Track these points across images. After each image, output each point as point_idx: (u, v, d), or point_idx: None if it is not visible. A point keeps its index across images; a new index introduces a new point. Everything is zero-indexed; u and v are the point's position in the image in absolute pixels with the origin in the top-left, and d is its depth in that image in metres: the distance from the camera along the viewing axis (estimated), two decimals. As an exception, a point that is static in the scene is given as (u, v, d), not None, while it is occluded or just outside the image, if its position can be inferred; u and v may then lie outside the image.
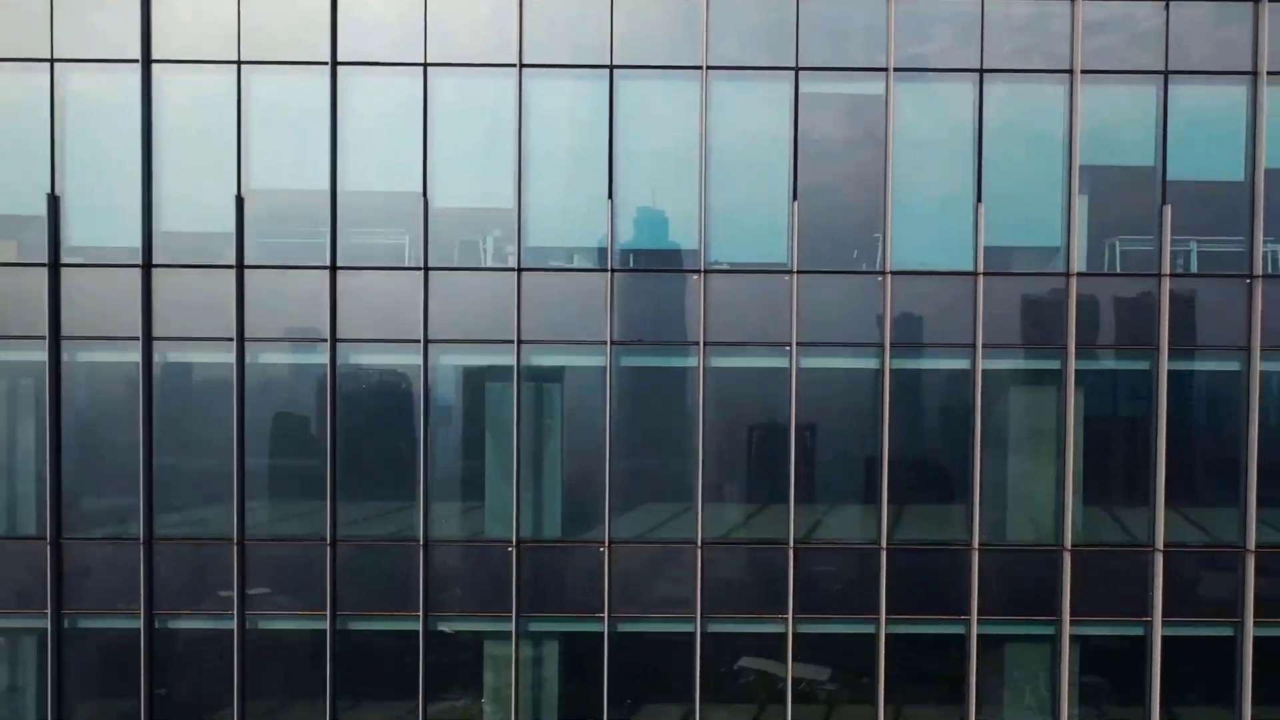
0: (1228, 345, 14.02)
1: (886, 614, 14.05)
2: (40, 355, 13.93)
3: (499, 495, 14.27)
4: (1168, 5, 13.84)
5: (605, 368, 14.02)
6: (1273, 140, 13.87)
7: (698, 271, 13.98)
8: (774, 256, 14.08)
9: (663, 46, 14.01)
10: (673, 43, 13.98)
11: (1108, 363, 14.30)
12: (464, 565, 14.52)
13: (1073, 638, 14.11)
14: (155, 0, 13.85)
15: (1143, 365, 14.13)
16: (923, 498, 14.55)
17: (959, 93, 14.07)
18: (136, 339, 13.90)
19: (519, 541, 14.12)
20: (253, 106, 14.01)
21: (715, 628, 14.23)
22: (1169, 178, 13.98)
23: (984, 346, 13.97)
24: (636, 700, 14.45)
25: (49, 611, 14.01)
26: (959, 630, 14.17)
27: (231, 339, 13.93)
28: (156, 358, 14.09)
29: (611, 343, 13.98)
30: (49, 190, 13.88)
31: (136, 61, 13.82)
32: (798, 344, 13.94)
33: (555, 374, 14.38)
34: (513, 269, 13.99)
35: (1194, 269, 14.13)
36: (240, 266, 13.95)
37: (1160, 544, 13.98)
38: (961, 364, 14.10)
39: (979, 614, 14.06)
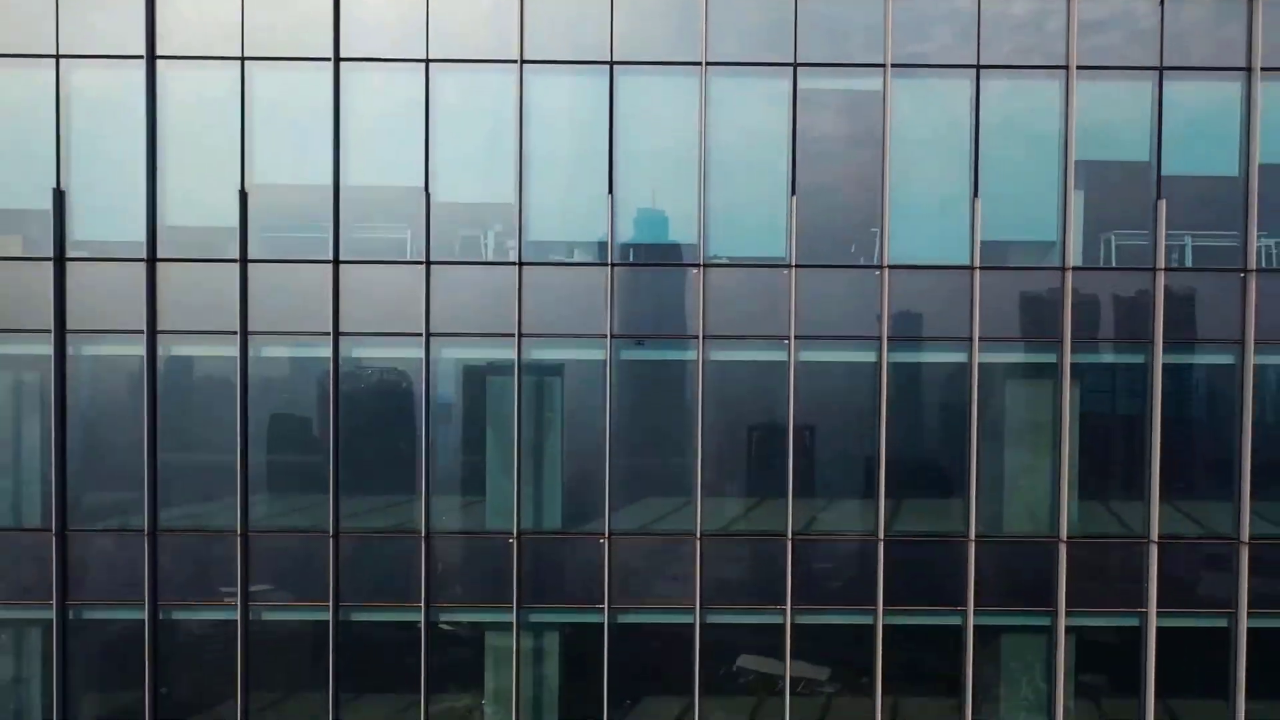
0: (1222, 339, 14.15)
1: (884, 605, 14.17)
2: (45, 349, 14.05)
3: (500, 488, 14.39)
4: (1162, 1, 13.98)
5: (605, 361, 14.15)
6: (1266, 136, 14.01)
7: (697, 265, 14.11)
8: (773, 251, 14.22)
9: (662, 44, 14.15)
10: (672, 40, 14.11)
11: (1103, 356, 14.44)
12: (465, 557, 14.65)
13: (1068, 629, 14.24)
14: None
15: (1138, 359, 14.26)
16: (920, 490, 14.67)
17: (956, 89, 14.20)
18: (141, 332, 14.03)
19: (520, 533, 14.24)
20: (256, 103, 14.14)
21: (714, 618, 14.36)
22: (1164, 173, 14.11)
23: (980, 340, 14.10)
24: (637, 692, 14.57)
25: (54, 603, 14.14)
26: (956, 621, 14.30)
27: (235, 332, 14.06)
28: (160, 351, 14.22)
29: (612, 336, 14.11)
30: (55, 185, 14.01)
31: (141, 58, 13.95)
32: (796, 337, 14.07)
33: (556, 368, 14.51)
34: (514, 263, 14.13)
35: (1189, 263, 14.26)
36: (244, 260, 14.07)
37: (1155, 535, 14.11)
38: (958, 358, 14.24)
39: (976, 605, 14.19)
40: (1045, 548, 14.27)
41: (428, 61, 14.08)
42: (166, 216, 14.17)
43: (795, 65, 14.05)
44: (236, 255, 14.05)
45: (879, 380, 14.14)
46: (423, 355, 14.13)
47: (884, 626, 14.20)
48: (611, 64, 14.04)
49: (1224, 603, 14.24)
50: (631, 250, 14.33)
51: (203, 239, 14.27)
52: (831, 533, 14.44)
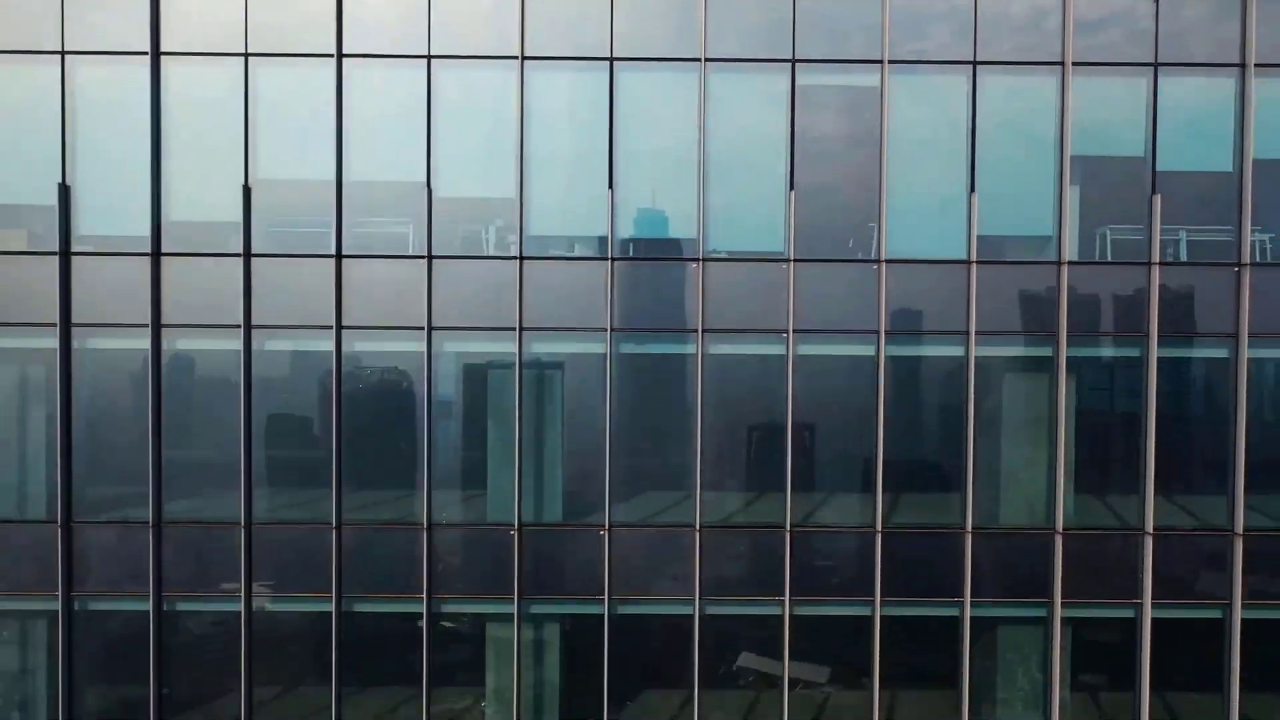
0: (1217, 332, 14.28)
1: (882, 597, 14.30)
2: (50, 342, 14.18)
3: (501, 482, 14.51)
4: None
5: (605, 355, 14.27)
6: (1260, 132, 14.14)
7: (696, 260, 14.23)
8: (772, 247, 14.34)
9: (662, 43, 14.27)
10: (672, 39, 14.23)
11: (1099, 350, 14.57)
12: (467, 549, 14.77)
13: (1064, 620, 14.37)
14: (164, -3, 14.17)
15: (1133, 352, 14.39)
16: (917, 483, 14.80)
17: (953, 85, 14.33)
18: (146, 326, 14.15)
19: (521, 525, 14.36)
20: (259, 99, 14.25)
21: (713, 609, 14.47)
22: (1159, 168, 14.24)
23: (977, 334, 14.22)
24: (637, 683, 14.68)
25: (59, 595, 14.26)
26: (953, 613, 14.42)
27: (239, 326, 14.18)
28: (164, 345, 14.33)
29: (612, 330, 14.23)
30: (60, 180, 14.13)
31: (146, 54, 14.07)
32: (794, 331, 14.19)
33: (556, 362, 14.63)
34: (515, 257, 14.25)
35: (1183, 258, 14.39)
36: (247, 255, 14.19)
37: (1150, 527, 14.23)
38: (955, 351, 14.36)
39: (972, 596, 14.31)
40: (1041, 540, 14.39)
41: (429, 58, 14.20)
42: (170, 212, 14.30)
43: (794, 61, 14.17)
44: (240, 250, 14.18)
45: (877, 374, 14.26)
46: (424, 349, 14.25)
47: (881, 618, 14.33)
48: (611, 60, 14.17)
49: (1219, 594, 14.36)
50: (631, 246, 14.45)
51: (206, 234, 14.39)
52: (830, 526, 14.56)
